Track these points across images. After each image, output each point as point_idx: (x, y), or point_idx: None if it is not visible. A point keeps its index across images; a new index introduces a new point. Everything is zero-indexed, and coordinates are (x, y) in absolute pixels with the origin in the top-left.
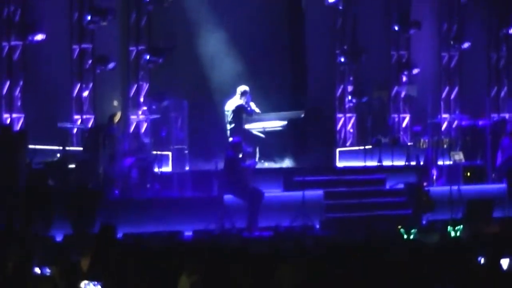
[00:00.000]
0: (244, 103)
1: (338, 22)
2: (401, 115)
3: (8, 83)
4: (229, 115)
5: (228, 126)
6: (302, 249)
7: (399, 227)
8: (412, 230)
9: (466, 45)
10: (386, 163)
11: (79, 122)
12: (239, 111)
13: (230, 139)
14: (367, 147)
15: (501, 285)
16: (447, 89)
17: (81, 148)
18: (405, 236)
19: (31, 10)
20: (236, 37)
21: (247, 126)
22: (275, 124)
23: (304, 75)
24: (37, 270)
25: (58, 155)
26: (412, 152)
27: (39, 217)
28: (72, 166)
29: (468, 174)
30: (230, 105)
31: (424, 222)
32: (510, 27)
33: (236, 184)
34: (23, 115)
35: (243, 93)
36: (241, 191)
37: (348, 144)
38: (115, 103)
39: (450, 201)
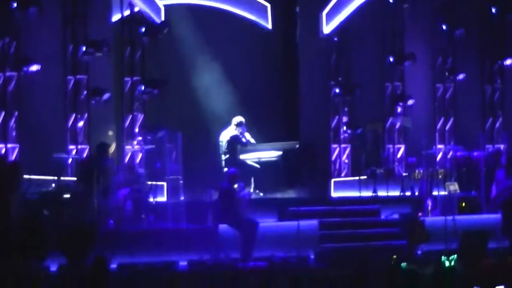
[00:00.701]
0: (239, 134)
1: (332, 53)
2: (396, 146)
3: (3, 113)
4: (224, 146)
5: (223, 157)
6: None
7: (394, 256)
8: (402, 264)
9: (461, 76)
10: (381, 194)
11: (74, 152)
12: (234, 141)
13: (225, 169)
14: (362, 177)
15: None
16: (442, 120)
17: (75, 179)
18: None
19: (26, 41)
20: (231, 68)
21: (242, 157)
22: (270, 154)
23: (298, 106)
24: None
25: (53, 185)
26: (406, 183)
27: (33, 248)
28: (67, 196)
29: (463, 204)
30: (225, 136)
31: (418, 252)
32: (504, 59)
33: (231, 215)
34: (17, 146)
35: (238, 124)
36: (236, 222)
37: (343, 174)
38: (110, 133)
39: (445, 232)
